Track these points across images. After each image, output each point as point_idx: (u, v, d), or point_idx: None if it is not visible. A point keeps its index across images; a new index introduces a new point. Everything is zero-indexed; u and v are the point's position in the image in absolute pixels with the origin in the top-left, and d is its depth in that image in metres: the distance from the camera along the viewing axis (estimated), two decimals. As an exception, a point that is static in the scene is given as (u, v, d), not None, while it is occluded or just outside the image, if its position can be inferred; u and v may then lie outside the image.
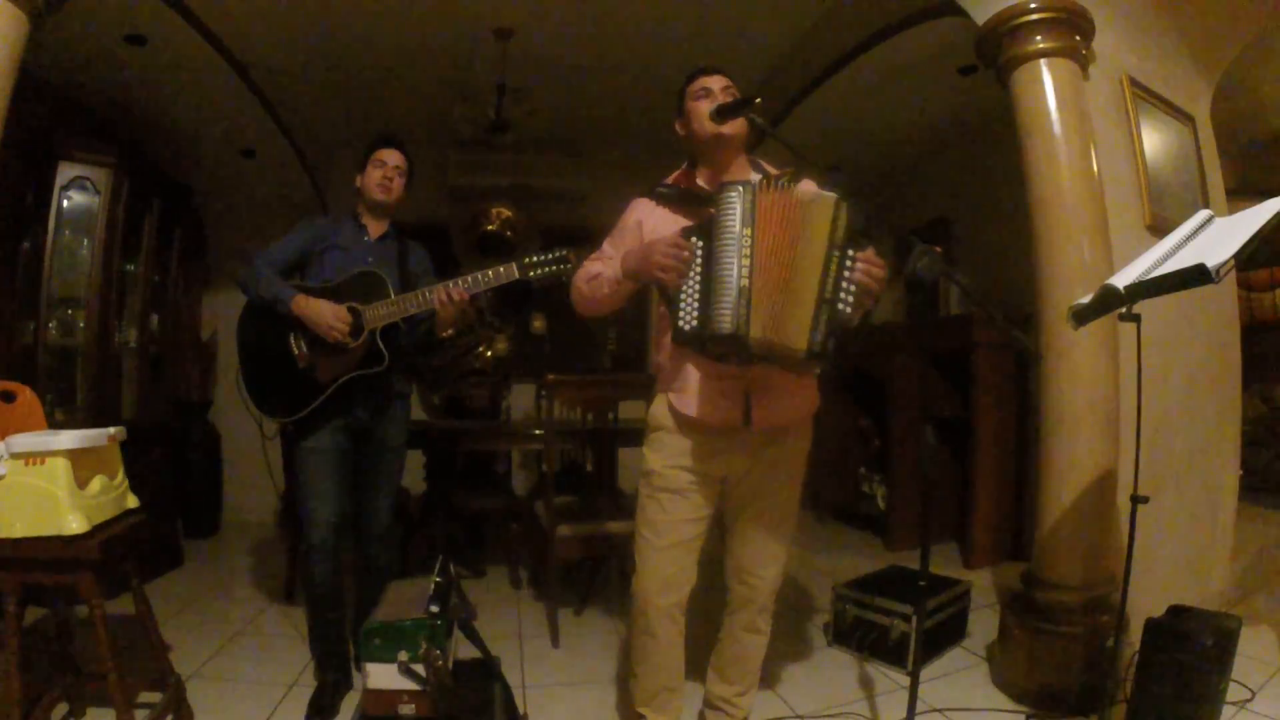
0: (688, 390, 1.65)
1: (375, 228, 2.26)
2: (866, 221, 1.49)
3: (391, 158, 2.23)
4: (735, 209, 1.47)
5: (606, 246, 1.77)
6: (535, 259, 2.01)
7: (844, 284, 1.44)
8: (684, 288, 1.53)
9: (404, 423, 2.29)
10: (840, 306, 1.44)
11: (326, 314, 2.02)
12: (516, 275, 2.00)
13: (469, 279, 2.02)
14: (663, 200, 1.72)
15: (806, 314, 1.43)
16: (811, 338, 1.42)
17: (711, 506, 1.72)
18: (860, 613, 2.51)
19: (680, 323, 1.52)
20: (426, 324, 2.21)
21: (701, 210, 1.59)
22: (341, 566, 2.17)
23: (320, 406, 2.07)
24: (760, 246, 1.46)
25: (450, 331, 2.17)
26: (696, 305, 1.51)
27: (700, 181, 1.73)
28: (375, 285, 2.10)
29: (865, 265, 1.44)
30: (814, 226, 1.45)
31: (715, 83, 1.69)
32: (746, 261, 1.45)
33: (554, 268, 2.00)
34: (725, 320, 1.44)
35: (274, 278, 2.09)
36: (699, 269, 1.51)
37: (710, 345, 1.51)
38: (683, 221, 1.63)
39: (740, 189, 1.48)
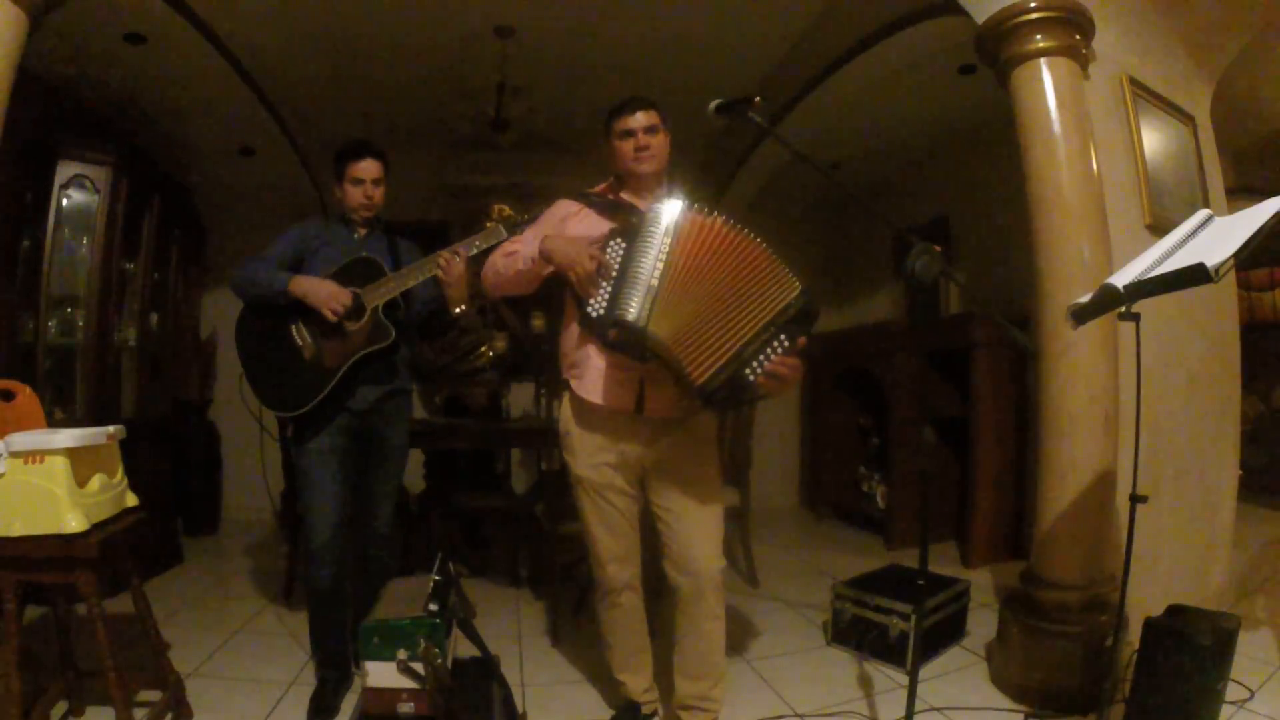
0: (587, 376, 1.80)
1: (363, 227, 2.28)
2: (809, 320, 1.66)
3: (369, 171, 2.19)
4: (661, 219, 1.64)
5: (529, 235, 1.91)
6: (520, 218, 2.13)
7: (762, 357, 1.60)
8: (600, 283, 1.70)
9: (405, 422, 2.30)
10: (747, 372, 1.60)
11: (327, 287, 2.05)
12: (504, 235, 2.10)
13: (463, 243, 2.13)
14: (593, 205, 1.89)
15: (720, 356, 1.58)
16: (710, 379, 1.58)
17: (636, 490, 1.88)
18: (859, 611, 2.52)
19: (589, 309, 1.70)
20: (435, 302, 2.23)
21: (626, 219, 1.78)
22: (343, 567, 2.18)
23: (330, 395, 2.07)
24: (681, 258, 1.61)
25: (461, 308, 2.20)
26: (606, 296, 1.68)
27: (627, 195, 1.90)
28: (372, 269, 2.13)
29: (790, 360, 1.61)
30: (768, 295, 1.62)
31: (638, 122, 1.84)
32: (660, 265, 1.61)
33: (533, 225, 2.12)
34: (630, 310, 1.59)
35: (270, 269, 2.10)
36: (616, 268, 1.68)
37: (611, 331, 1.65)
38: (606, 225, 1.80)
39: (671, 206, 1.65)
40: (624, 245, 1.69)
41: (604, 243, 1.71)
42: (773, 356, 1.61)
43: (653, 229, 1.64)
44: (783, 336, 1.62)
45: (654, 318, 1.58)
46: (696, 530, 1.84)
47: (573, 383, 1.83)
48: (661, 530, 1.87)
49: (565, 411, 1.88)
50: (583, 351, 1.80)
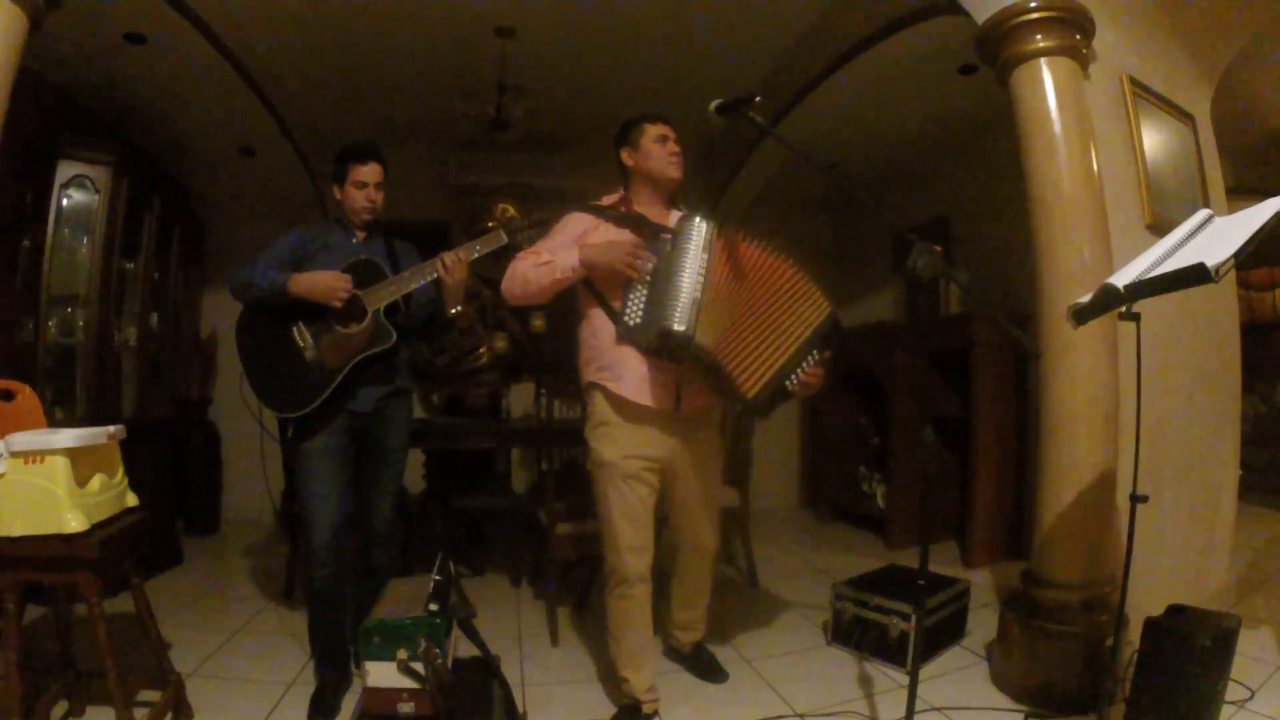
0: (627, 378, 1.90)
1: (362, 230, 2.27)
2: (837, 335, 1.87)
3: (371, 175, 2.20)
4: (697, 236, 1.76)
5: (548, 247, 1.97)
6: (519, 223, 2.20)
7: (800, 370, 1.81)
8: (630, 294, 1.85)
9: (405, 422, 2.30)
10: (787, 384, 1.81)
11: (325, 279, 2.05)
12: (505, 240, 2.16)
13: (464, 247, 2.14)
14: (609, 219, 1.98)
15: (767, 372, 1.76)
16: (760, 392, 1.76)
17: (658, 483, 2.01)
18: (859, 611, 2.52)
19: (626, 318, 1.84)
20: (433, 304, 2.24)
21: (642, 231, 1.92)
22: (343, 567, 2.18)
23: (331, 396, 2.07)
24: (720, 274, 1.76)
25: (459, 309, 2.21)
26: (642, 307, 1.82)
27: (638, 209, 2.01)
28: (372, 271, 2.13)
29: (818, 371, 1.84)
30: (803, 313, 1.83)
31: (671, 132, 2.01)
32: (701, 279, 1.74)
33: (536, 229, 2.18)
34: (675, 320, 1.70)
35: (269, 270, 2.09)
36: (648, 279, 1.82)
37: (655, 340, 1.77)
38: (627, 238, 1.91)
39: (703, 223, 1.79)
40: (653, 257, 1.83)
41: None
42: (806, 368, 1.82)
43: (690, 244, 1.76)
44: (814, 352, 1.83)
45: (700, 329, 1.71)
46: (707, 516, 2.14)
47: (611, 385, 1.91)
48: (676, 513, 2.10)
49: (601, 405, 1.95)
50: (618, 355, 1.89)
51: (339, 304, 2.05)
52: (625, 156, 2.04)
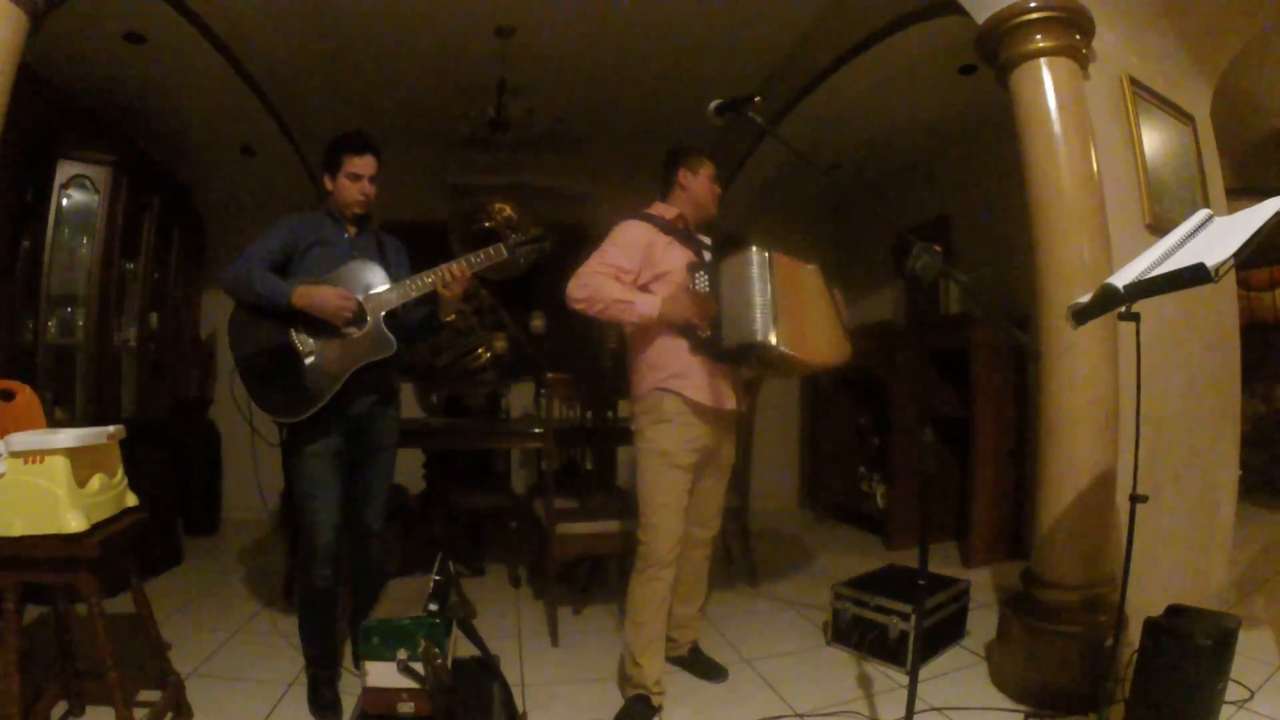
0: (699, 384, 2.10)
1: (353, 225, 2.22)
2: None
3: (367, 168, 2.13)
4: (759, 262, 1.94)
5: (621, 260, 2.11)
6: (520, 239, 2.23)
7: (839, 311, 2.15)
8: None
9: (396, 420, 2.28)
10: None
11: (333, 297, 2.01)
12: (506, 255, 2.18)
13: (465, 259, 2.14)
14: (672, 234, 2.18)
15: (836, 332, 2.09)
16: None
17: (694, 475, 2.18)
18: (859, 612, 2.52)
19: (699, 333, 2.05)
20: (427, 309, 2.21)
21: (696, 251, 2.18)
22: (339, 566, 2.17)
23: (331, 402, 2.04)
24: (783, 289, 1.94)
25: (453, 317, 2.21)
26: (709, 326, 2.02)
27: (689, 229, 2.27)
28: (370, 276, 2.10)
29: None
30: (827, 293, 2.12)
31: (717, 173, 2.27)
32: (770, 296, 1.91)
33: (535, 245, 2.25)
34: (756, 331, 1.88)
35: (268, 275, 2.04)
36: (714, 297, 2.02)
37: (736, 350, 1.96)
38: (688, 254, 2.16)
39: (764, 254, 1.95)
40: (706, 277, 2.05)
41: (692, 278, 2.08)
42: (840, 308, 2.14)
43: (753, 271, 1.93)
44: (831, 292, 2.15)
45: (780, 338, 1.89)
46: (720, 498, 2.35)
47: (686, 391, 2.09)
48: (695, 500, 2.21)
49: (672, 405, 2.10)
50: (690, 364, 2.10)
51: (342, 323, 2.03)
52: (682, 177, 2.23)
